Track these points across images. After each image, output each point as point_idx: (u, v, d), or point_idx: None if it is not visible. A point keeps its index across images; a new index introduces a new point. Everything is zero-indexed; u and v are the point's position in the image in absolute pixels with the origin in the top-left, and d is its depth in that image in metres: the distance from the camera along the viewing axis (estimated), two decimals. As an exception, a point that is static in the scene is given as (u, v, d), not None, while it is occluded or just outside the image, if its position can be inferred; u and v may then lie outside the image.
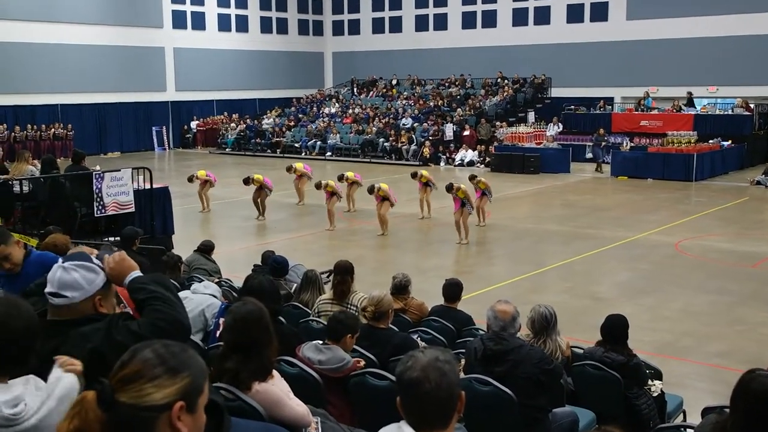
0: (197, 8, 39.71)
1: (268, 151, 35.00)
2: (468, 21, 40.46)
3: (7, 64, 31.60)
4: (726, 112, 30.19)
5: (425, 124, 33.60)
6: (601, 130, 28.53)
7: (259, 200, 18.53)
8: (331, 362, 4.77)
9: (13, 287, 4.45)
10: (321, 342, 4.94)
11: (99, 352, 2.56)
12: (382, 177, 23.74)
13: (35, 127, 32.92)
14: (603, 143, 28.02)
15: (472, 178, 16.98)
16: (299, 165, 20.82)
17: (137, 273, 2.94)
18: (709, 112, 30.25)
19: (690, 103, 30.70)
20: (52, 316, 2.88)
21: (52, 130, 33.34)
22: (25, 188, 11.75)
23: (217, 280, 8.86)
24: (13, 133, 31.97)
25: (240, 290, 5.89)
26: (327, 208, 17.16)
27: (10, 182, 11.73)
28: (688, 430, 4.53)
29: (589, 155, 29.65)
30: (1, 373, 2.42)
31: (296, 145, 34.96)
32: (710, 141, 27.00)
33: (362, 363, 5.00)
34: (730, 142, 27.49)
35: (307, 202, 20.14)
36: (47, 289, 2.90)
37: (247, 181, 18.77)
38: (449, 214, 16.55)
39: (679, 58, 33.26)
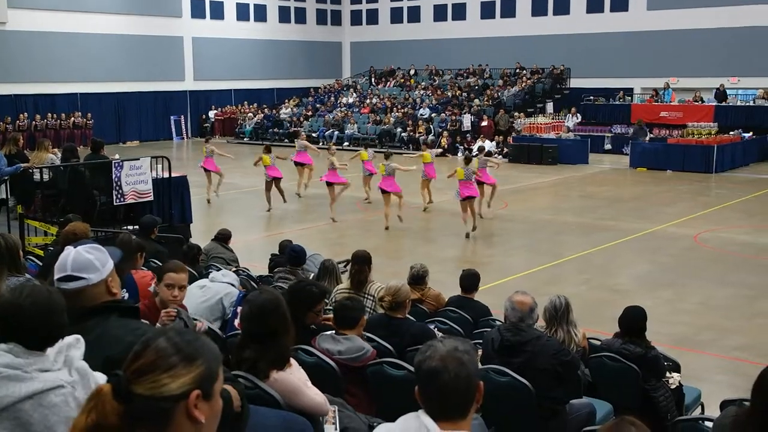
0: (216, -2, 39.80)
1: (286, 140, 35.02)
2: (487, 11, 40.25)
3: (27, 54, 31.81)
4: (747, 103, 29.88)
5: (443, 114, 33.51)
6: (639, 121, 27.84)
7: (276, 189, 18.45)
8: (351, 351, 4.77)
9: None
10: (335, 332, 4.92)
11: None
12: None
13: (55, 116, 33.13)
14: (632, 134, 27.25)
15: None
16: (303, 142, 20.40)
17: None
18: (731, 103, 29.95)
19: (718, 95, 30.20)
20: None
21: (72, 119, 33.53)
22: (45, 176, 11.84)
23: (234, 268, 8.90)
24: (33, 122, 32.21)
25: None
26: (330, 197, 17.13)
27: (31, 170, 11.82)
28: (706, 422, 4.50)
29: (608, 146, 29.45)
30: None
31: (314, 134, 34.94)
32: (731, 132, 26.72)
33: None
34: (751, 133, 27.20)
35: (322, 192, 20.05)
36: (57, 276, 2.84)
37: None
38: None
39: (700, 49, 32.90)
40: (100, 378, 2.39)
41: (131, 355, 1.83)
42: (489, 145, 29.87)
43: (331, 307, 6.77)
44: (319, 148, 22.30)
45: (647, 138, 26.96)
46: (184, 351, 1.81)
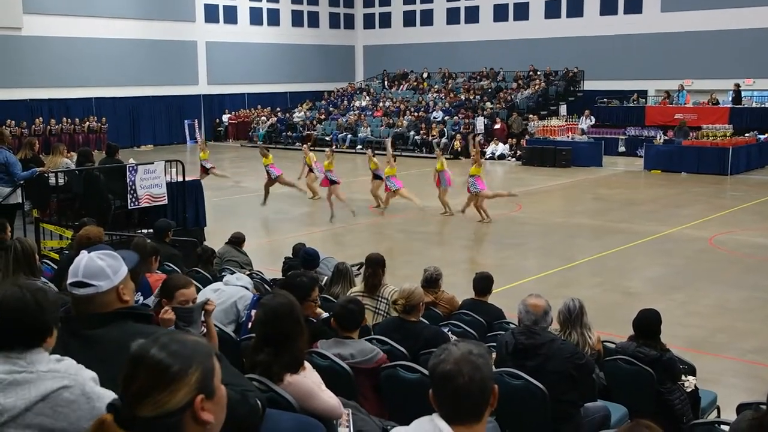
0: (229, 2, 39.93)
1: (299, 144, 35.05)
2: (500, 13, 40.21)
3: (42, 59, 32.05)
4: (762, 105, 29.69)
5: (456, 117, 33.49)
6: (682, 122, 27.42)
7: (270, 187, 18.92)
8: (364, 353, 4.77)
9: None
10: (338, 336, 4.89)
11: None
12: (414, 170, 23.74)
13: (70, 120, 33.34)
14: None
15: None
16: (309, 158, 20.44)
17: None
18: (746, 105, 29.77)
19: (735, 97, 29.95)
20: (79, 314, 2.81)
21: (87, 123, 33.74)
22: (61, 180, 11.90)
23: (248, 272, 8.91)
24: (48, 126, 32.40)
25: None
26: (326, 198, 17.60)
27: (46, 174, 11.89)
28: (723, 426, 4.47)
29: (622, 149, 29.35)
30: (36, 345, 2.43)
31: (327, 138, 35.01)
32: (746, 134, 26.56)
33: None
34: (766, 135, 27.03)
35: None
36: (70, 281, 2.81)
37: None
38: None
39: (715, 51, 32.74)
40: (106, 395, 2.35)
41: (124, 377, 1.79)
42: (502, 147, 29.93)
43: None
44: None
45: (661, 140, 26.83)
46: (179, 358, 1.78)
